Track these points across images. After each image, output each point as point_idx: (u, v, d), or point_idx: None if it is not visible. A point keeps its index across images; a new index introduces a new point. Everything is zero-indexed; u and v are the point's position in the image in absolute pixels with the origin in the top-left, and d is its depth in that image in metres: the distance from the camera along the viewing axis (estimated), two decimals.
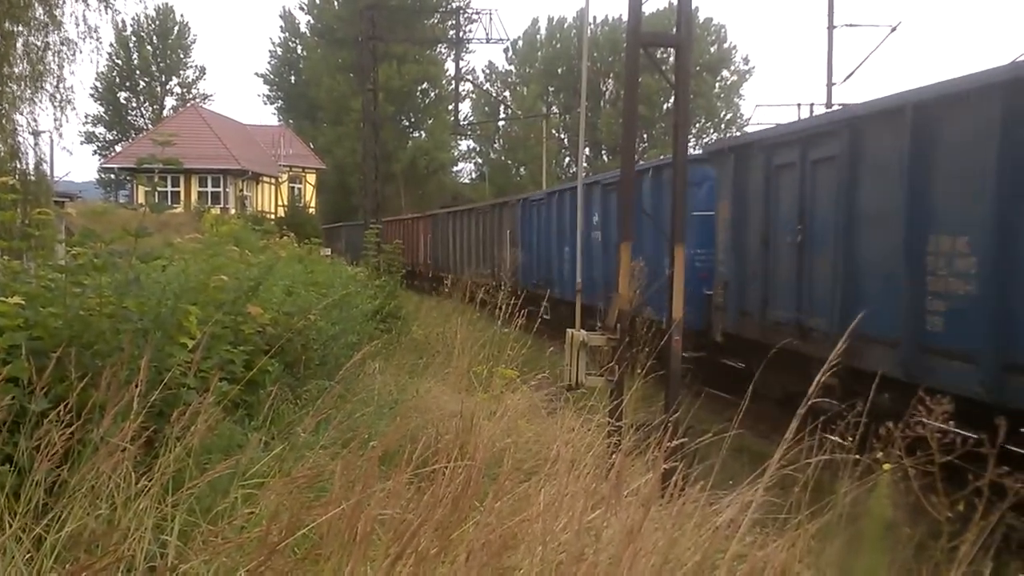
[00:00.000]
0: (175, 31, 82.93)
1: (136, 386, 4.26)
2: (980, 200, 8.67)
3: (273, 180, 59.82)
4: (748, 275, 14.22)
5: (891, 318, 9.88)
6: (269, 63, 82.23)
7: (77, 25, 18.48)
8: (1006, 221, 8.40)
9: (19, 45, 16.57)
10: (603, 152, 79.71)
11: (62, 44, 17.13)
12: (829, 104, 28.91)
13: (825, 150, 11.91)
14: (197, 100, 77.76)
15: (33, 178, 16.88)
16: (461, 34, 46.00)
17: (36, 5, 16.55)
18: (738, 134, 39.62)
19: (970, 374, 8.69)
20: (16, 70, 16.55)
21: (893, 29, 29.12)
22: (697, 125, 76.52)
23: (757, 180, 13.88)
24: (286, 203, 59.37)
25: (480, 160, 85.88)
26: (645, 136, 73.71)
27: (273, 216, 52.66)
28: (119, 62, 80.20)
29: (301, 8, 78.05)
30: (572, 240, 19.62)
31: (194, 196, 51.55)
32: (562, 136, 77.21)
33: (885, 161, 10.44)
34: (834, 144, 11.58)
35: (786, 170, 13.05)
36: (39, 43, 16.74)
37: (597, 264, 19.50)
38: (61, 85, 17.36)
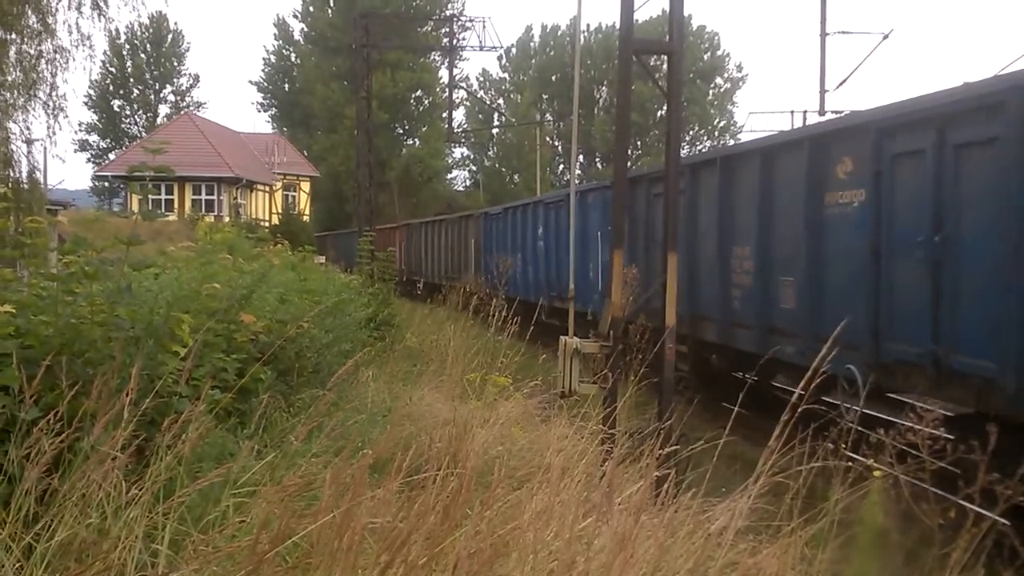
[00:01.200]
0: (169, 39, 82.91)
1: (127, 394, 4.25)
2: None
3: (267, 188, 59.81)
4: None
5: (713, 302, 14.04)
6: (263, 71, 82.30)
7: (70, 33, 18.40)
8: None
9: (12, 53, 16.53)
10: (597, 159, 79.85)
11: (55, 52, 17.07)
12: (822, 111, 28.98)
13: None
14: (191, 108, 77.81)
15: (26, 186, 16.81)
16: (455, 42, 45.92)
17: (29, 13, 16.52)
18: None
19: (748, 335, 12.90)
20: (9, 78, 16.51)
21: (885, 37, 29.25)
22: (690, 132, 76.70)
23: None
24: (280, 211, 59.33)
25: (474, 167, 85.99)
26: (638, 143, 73.84)
27: (267, 224, 52.63)
28: (113, 70, 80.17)
29: (295, 16, 78.26)
30: (523, 248, 25.44)
31: (188, 204, 51.49)
32: (556, 143, 77.29)
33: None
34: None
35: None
36: (32, 51, 16.69)
37: (540, 268, 23.96)
38: (54, 93, 17.29)
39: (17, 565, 3.66)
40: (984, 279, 8.28)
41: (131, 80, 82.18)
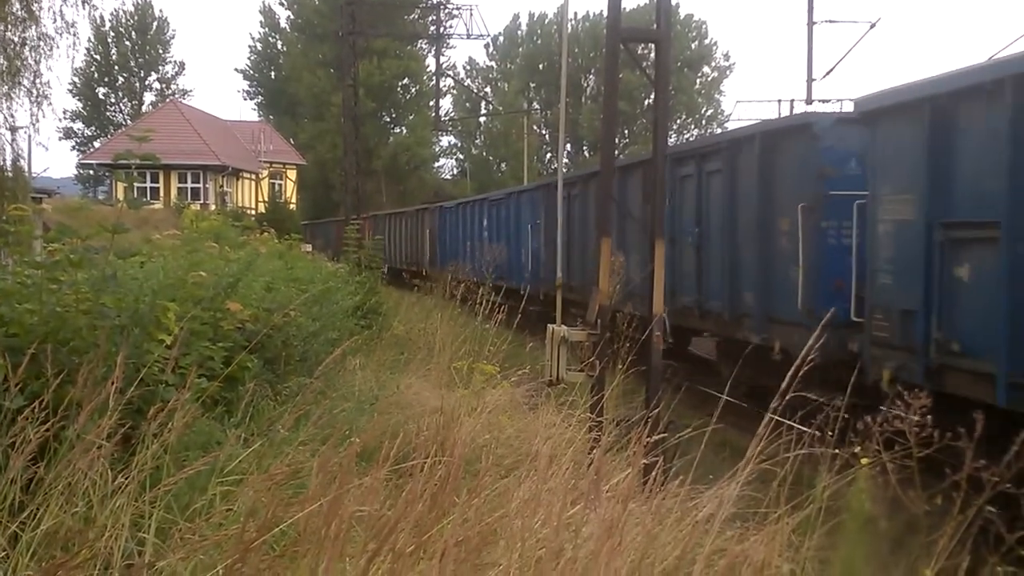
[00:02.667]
0: (154, 26, 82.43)
1: (113, 383, 4.23)
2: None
3: (253, 176, 59.61)
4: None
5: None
6: (249, 58, 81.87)
7: (55, 20, 18.30)
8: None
9: None
10: (584, 147, 79.77)
11: (39, 39, 16.97)
12: (809, 100, 29.03)
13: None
14: (176, 96, 77.39)
15: (10, 174, 16.73)
16: (442, 30, 45.81)
17: (14, 0, 16.42)
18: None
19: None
20: None
21: (873, 25, 29.41)
22: (678, 121, 76.66)
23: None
24: (266, 199, 59.15)
25: (461, 156, 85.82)
26: (626, 131, 73.80)
27: (253, 212, 52.47)
28: (97, 57, 79.66)
29: (281, 3, 77.74)
30: (471, 238, 29.95)
31: (173, 192, 51.30)
32: (543, 132, 77.23)
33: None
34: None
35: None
36: (16, 38, 16.59)
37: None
38: (38, 80, 17.20)
39: (3, 554, 3.65)
40: (719, 256, 14.19)
41: (116, 68, 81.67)
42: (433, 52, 59.27)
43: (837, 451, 4.48)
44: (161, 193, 50.73)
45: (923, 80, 9.57)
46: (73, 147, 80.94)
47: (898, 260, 9.69)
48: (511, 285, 14.71)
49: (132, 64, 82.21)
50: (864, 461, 4.18)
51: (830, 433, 4.62)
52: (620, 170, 16.87)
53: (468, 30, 41.55)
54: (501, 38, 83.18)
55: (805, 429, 4.72)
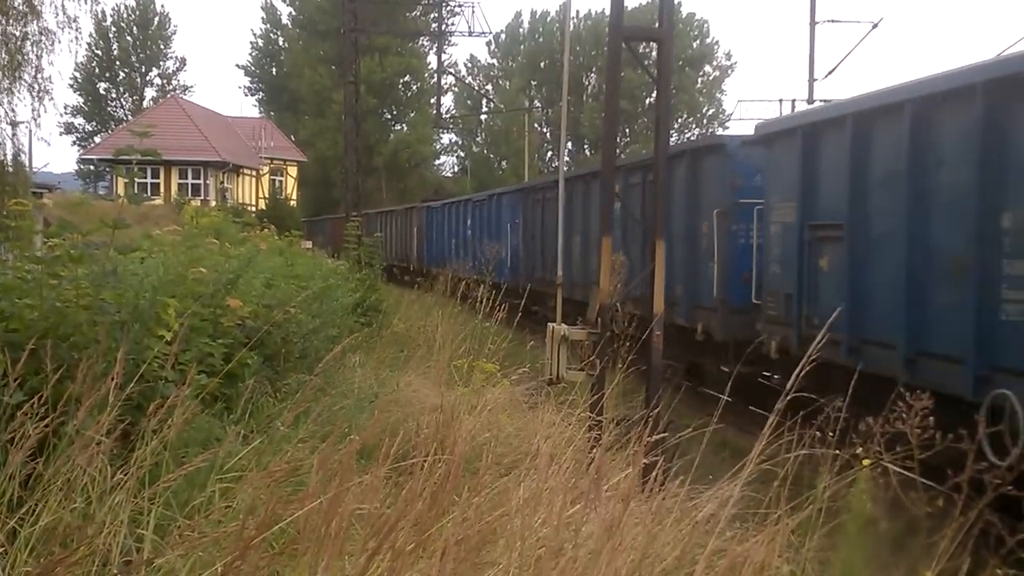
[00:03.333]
0: (155, 21, 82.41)
1: (113, 379, 4.22)
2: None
3: (254, 172, 59.57)
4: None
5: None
6: (250, 55, 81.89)
7: (56, 15, 18.35)
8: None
9: None
10: (585, 146, 79.75)
11: (41, 34, 16.98)
12: (811, 100, 29.01)
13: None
14: (177, 91, 77.38)
15: (11, 169, 16.74)
16: (444, 27, 45.86)
17: None
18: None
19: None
20: None
21: (875, 25, 29.45)
22: (679, 120, 76.61)
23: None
24: (267, 195, 59.12)
25: (462, 153, 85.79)
26: (627, 130, 73.76)
27: (254, 208, 52.43)
28: (99, 52, 79.64)
29: (283, 0, 77.76)
30: (456, 235, 32.74)
31: (174, 188, 51.27)
32: (544, 130, 77.14)
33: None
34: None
35: None
36: (18, 33, 16.59)
37: (468, 250, 29.55)
38: (40, 75, 17.21)
39: (1, 550, 3.64)
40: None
41: (117, 63, 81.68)
42: (435, 49, 59.31)
43: (838, 452, 4.48)
44: (162, 189, 50.72)
45: (799, 112, 13.87)
46: (74, 142, 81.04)
47: (783, 254, 12.25)
48: (494, 280, 16.16)
49: (133, 59, 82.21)
50: (865, 462, 4.17)
51: (831, 434, 4.62)
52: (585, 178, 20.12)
53: (470, 27, 41.63)
54: (503, 36, 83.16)
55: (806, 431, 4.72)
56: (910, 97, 9.61)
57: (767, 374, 12.62)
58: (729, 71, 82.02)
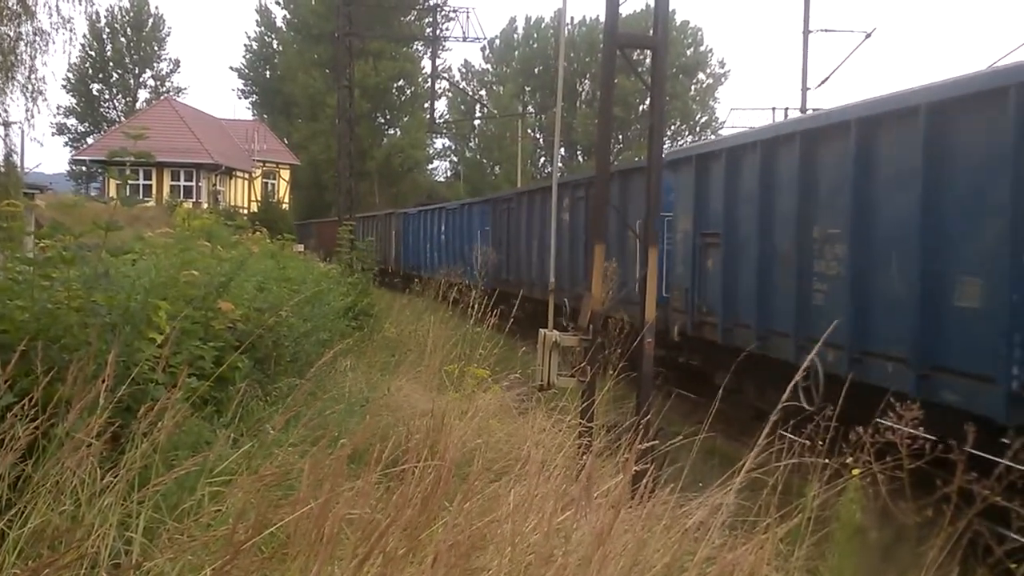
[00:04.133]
0: (149, 23, 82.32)
1: (103, 381, 4.21)
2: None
3: (246, 175, 59.51)
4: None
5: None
6: (244, 57, 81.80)
7: (50, 16, 18.27)
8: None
9: None
10: (579, 152, 79.83)
11: (35, 34, 16.96)
12: (804, 109, 29.07)
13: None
14: (171, 93, 77.30)
15: (3, 169, 16.72)
16: (438, 32, 45.80)
17: None
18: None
19: None
20: None
21: (868, 35, 29.50)
22: (672, 127, 76.72)
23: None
24: (259, 198, 59.05)
25: (455, 158, 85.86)
26: (620, 137, 73.85)
27: (246, 211, 52.37)
28: (92, 54, 79.49)
29: (277, 3, 77.69)
30: (431, 239, 35.74)
31: (166, 190, 51.21)
32: (537, 136, 77.20)
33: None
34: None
35: None
36: (11, 33, 16.57)
37: (442, 254, 33.03)
38: (33, 76, 17.19)
39: None
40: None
41: (111, 64, 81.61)
42: (429, 54, 59.18)
43: (828, 461, 4.49)
44: (154, 191, 50.61)
45: (693, 144, 18.44)
46: (66, 143, 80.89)
47: (683, 256, 15.21)
48: (467, 283, 18.24)
49: (127, 61, 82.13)
50: (855, 472, 4.18)
51: (820, 443, 4.63)
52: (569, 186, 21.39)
53: (464, 33, 41.60)
54: (497, 41, 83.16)
55: (797, 439, 4.72)
56: (762, 139, 12.76)
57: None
58: (723, 79, 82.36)
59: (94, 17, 75.60)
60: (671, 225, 15.74)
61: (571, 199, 20.44)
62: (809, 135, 11.43)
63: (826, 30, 31.45)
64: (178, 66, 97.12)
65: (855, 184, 10.27)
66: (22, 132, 20.70)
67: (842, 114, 10.92)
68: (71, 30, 21.34)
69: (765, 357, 11.83)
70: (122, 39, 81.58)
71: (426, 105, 61.18)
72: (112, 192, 35.37)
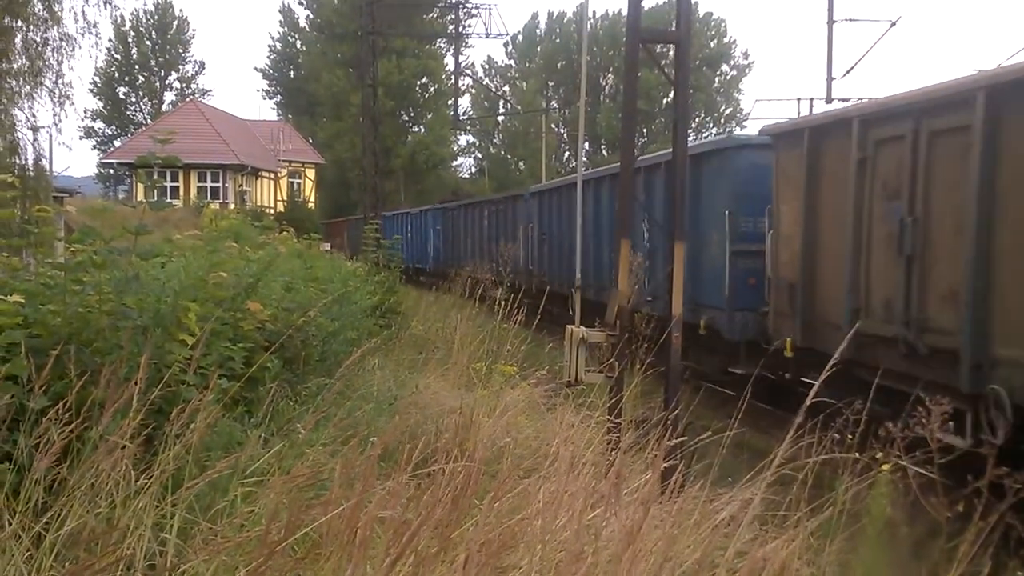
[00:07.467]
0: (174, 26, 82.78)
1: (135, 384, 4.25)
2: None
3: (272, 175, 59.76)
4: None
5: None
6: (268, 58, 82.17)
7: (76, 20, 18.43)
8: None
9: (18, 41, 16.55)
10: (603, 146, 79.63)
11: (61, 40, 17.09)
12: (829, 99, 28.87)
13: None
14: (196, 95, 77.76)
15: (32, 174, 16.86)
16: (461, 29, 45.93)
17: (35, 1, 16.52)
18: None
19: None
20: (15, 66, 16.52)
21: (893, 24, 29.12)
22: (696, 120, 76.39)
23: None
24: (285, 198, 59.29)
25: (480, 155, 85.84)
26: (644, 131, 73.60)
27: (272, 211, 52.60)
28: (118, 57, 80.00)
29: (300, 3, 77.90)
30: (431, 238, 40.27)
31: (193, 191, 51.52)
32: (561, 131, 77.11)
33: None
34: None
35: None
36: (38, 39, 16.71)
37: (439, 249, 38.70)
38: (60, 80, 17.32)
39: (27, 554, 3.68)
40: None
41: (136, 67, 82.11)
42: (452, 51, 59.37)
43: (858, 455, 4.47)
44: (181, 192, 50.93)
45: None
46: (94, 146, 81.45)
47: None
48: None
49: (152, 63, 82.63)
50: (885, 467, 4.17)
51: (850, 437, 4.61)
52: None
53: (487, 29, 41.66)
54: (520, 37, 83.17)
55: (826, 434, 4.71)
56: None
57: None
58: (747, 70, 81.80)
59: (119, 21, 76.18)
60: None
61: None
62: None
63: (851, 19, 31.15)
64: (203, 68, 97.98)
65: None
66: (50, 136, 20.87)
67: None
68: (97, 34, 21.55)
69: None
70: (147, 42, 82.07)
71: (450, 102, 61.37)
72: (140, 194, 35.63)
